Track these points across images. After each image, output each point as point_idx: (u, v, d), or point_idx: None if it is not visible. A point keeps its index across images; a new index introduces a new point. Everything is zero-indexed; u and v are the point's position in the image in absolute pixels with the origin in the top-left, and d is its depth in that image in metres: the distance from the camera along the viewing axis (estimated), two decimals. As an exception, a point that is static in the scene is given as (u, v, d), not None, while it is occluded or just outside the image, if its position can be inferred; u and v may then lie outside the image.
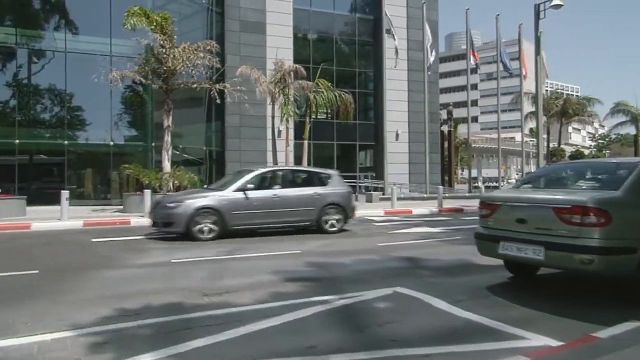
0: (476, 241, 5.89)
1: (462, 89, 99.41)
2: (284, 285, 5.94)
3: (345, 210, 11.43)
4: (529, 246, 5.03)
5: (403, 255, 8.17)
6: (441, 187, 19.68)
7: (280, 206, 10.60)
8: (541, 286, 6.04)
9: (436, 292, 5.39)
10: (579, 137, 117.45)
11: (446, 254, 8.23)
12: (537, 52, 20.20)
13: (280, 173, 11.93)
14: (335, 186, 11.56)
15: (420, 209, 17.32)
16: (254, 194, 10.45)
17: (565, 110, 34.20)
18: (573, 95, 35.88)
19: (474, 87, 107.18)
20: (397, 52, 24.46)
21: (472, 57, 27.23)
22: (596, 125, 72.38)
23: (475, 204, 20.03)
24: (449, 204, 18.83)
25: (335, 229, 11.14)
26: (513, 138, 76.43)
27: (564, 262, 4.86)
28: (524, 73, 27.77)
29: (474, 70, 28.68)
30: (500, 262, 6.33)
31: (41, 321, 4.43)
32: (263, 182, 11.06)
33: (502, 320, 4.33)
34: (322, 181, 11.64)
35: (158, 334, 4.09)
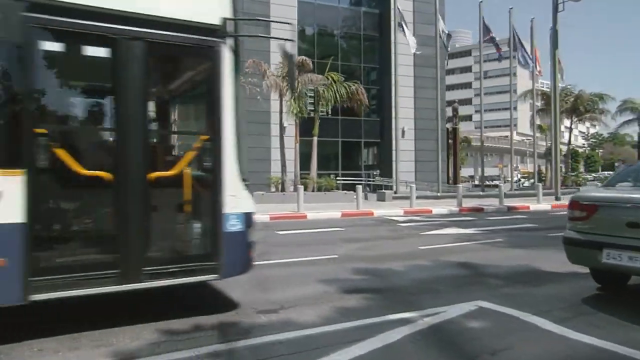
0: (565, 247, 5.12)
1: (458, 87, 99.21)
2: (343, 297, 5.14)
3: None
4: (646, 255, 4.29)
5: (453, 260, 7.41)
6: (460, 185, 18.94)
7: None
8: None
9: (526, 306, 4.66)
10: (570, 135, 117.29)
11: (500, 259, 7.48)
12: (555, 46, 19.50)
13: None
14: None
15: (439, 208, 16.58)
16: None
17: (576, 107, 33.62)
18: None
19: (468, 85, 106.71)
20: (411, 43, 23.59)
21: (491, 45, 26.51)
22: (587, 124, 72.12)
23: (490, 203, 19.44)
24: (465, 203, 18.10)
25: None
26: (507, 136, 76.16)
27: (697, 275, 4.11)
28: (538, 69, 27.14)
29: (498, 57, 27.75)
30: (575, 268, 5.63)
31: (74, 349, 3.61)
32: None
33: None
34: None
35: (225, 367, 3.29)
